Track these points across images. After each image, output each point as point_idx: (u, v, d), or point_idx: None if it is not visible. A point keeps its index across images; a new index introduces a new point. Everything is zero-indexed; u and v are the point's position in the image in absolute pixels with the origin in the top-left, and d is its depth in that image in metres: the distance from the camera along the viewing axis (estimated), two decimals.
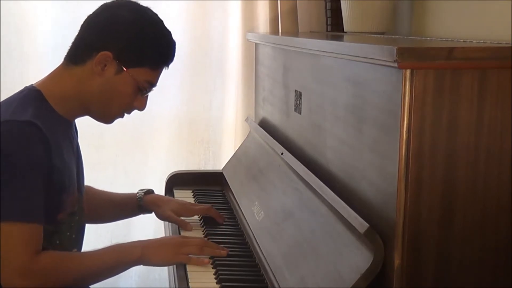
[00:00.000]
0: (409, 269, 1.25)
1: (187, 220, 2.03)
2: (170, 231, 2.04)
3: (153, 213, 2.08)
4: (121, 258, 1.66)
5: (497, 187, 1.25)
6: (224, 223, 2.07)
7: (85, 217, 1.82)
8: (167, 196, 2.28)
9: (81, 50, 1.70)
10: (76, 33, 1.74)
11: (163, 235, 2.10)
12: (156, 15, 1.75)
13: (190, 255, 1.71)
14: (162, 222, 2.13)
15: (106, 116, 1.76)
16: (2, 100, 1.73)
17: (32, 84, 1.73)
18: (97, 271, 1.64)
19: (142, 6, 1.74)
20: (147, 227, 2.74)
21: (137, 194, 2.06)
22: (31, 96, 1.68)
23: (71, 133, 1.77)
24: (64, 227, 1.69)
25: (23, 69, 2.77)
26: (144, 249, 1.67)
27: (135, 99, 1.74)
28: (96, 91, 1.69)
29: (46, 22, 2.78)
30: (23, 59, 2.78)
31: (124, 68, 1.68)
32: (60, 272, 1.58)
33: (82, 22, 1.74)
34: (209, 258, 1.73)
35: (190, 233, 1.97)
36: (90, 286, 1.76)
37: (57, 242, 1.67)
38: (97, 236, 2.71)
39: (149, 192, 2.09)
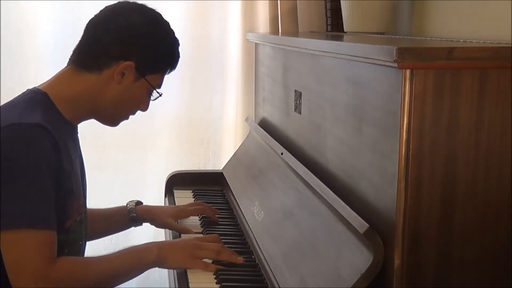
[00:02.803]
0: (409, 269, 1.25)
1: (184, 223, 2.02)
2: (170, 233, 2.04)
3: (143, 224, 2.06)
4: (138, 260, 1.64)
5: (497, 187, 1.25)
6: (223, 222, 2.07)
7: (88, 226, 1.80)
8: (158, 205, 2.26)
9: (98, 58, 1.68)
10: (81, 36, 1.72)
11: (163, 237, 2.09)
12: (163, 18, 1.76)
13: (206, 260, 1.68)
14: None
15: (115, 119, 1.77)
16: (2, 100, 1.72)
17: (36, 87, 1.70)
18: (113, 275, 1.61)
19: (152, 10, 1.74)
20: (147, 229, 2.74)
21: (128, 206, 2.03)
22: (38, 99, 1.65)
23: (77, 137, 1.76)
24: (75, 236, 1.67)
25: (23, 69, 2.77)
26: (160, 250, 1.65)
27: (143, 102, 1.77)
28: (112, 98, 1.70)
29: (46, 22, 2.78)
30: (23, 59, 2.77)
31: (143, 76, 1.70)
32: (76, 278, 1.56)
33: (90, 26, 1.72)
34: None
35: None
36: None
37: (66, 251, 1.65)
38: None
39: (139, 203, 2.06)
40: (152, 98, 1.77)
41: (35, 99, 1.65)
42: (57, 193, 1.57)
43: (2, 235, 1.50)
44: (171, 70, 1.78)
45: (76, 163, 1.70)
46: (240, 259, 1.72)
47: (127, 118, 1.79)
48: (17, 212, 1.50)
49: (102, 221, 2.01)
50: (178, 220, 2.04)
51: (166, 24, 1.75)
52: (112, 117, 1.76)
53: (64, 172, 1.59)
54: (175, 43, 1.76)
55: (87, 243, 1.83)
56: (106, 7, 1.73)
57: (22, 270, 1.49)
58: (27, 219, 1.50)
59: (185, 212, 2.06)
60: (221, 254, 1.70)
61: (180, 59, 1.79)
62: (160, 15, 1.75)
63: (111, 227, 2.06)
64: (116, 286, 1.65)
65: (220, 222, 2.07)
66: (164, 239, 2.05)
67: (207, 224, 2.04)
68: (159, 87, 1.77)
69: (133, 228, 2.25)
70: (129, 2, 1.75)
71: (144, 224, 2.08)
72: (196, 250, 1.69)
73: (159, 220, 2.02)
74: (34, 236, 1.50)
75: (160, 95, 1.77)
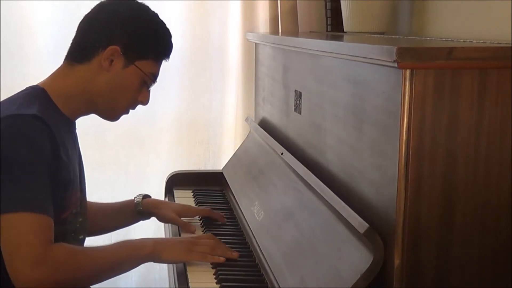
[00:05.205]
0: (409, 269, 1.25)
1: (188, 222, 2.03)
2: (170, 232, 2.04)
3: (151, 218, 2.08)
4: (134, 252, 1.66)
5: (497, 187, 1.25)
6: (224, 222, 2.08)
7: (87, 220, 1.81)
8: (165, 200, 2.28)
9: (86, 48, 1.73)
10: (75, 33, 1.76)
11: (163, 235, 2.10)
12: (151, 9, 1.79)
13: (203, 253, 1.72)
14: (162, 223, 2.12)
15: (113, 112, 1.78)
16: (2, 99, 1.74)
17: (36, 84, 1.74)
18: (109, 266, 1.63)
19: (138, 2, 1.79)
20: (147, 227, 2.74)
21: (135, 199, 2.06)
22: (36, 94, 1.69)
23: (74, 133, 1.79)
24: (70, 228, 1.69)
25: (23, 69, 2.77)
26: (156, 244, 1.68)
27: (140, 93, 1.77)
28: (104, 86, 1.72)
29: (46, 22, 2.78)
30: (23, 59, 2.78)
31: (131, 61, 1.71)
32: (73, 265, 1.56)
33: (80, 22, 1.76)
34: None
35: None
36: (90, 287, 1.75)
37: (61, 242, 1.66)
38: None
39: (146, 196, 2.09)
40: (147, 86, 1.77)
41: (33, 94, 1.69)
42: (55, 183, 1.59)
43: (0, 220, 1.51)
44: (163, 57, 1.79)
45: (74, 157, 1.72)
46: (235, 254, 1.75)
47: (126, 112, 1.80)
48: (14, 196, 1.51)
49: (110, 215, 2.04)
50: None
51: (153, 13, 1.78)
52: (109, 110, 1.77)
53: (62, 162, 1.61)
54: (164, 31, 1.79)
55: (87, 239, 1.84)
56: (98, 4, 1.78)
57: (18, 253, 1.49)
58: (24, 203, 1.51)
59: (190, 210, 2.08)
60: (216, 249, 1.73)
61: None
62: (147, 7, 1.79)
63: (119, 220, 2.08)
64: (110, 278, 1.66)
65: (220, 222, 2.07)
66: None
67: (208, 224, 2.04)
68: (155, 75, 1.78)
69: (133, 225, 2.28)
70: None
71: (143, 222, 2.09)
72: (191, 245, 1.72)
73: (163, 214, 2.04)
74: (31, 219, 1.51)
75: (154, 81, 1.78)
